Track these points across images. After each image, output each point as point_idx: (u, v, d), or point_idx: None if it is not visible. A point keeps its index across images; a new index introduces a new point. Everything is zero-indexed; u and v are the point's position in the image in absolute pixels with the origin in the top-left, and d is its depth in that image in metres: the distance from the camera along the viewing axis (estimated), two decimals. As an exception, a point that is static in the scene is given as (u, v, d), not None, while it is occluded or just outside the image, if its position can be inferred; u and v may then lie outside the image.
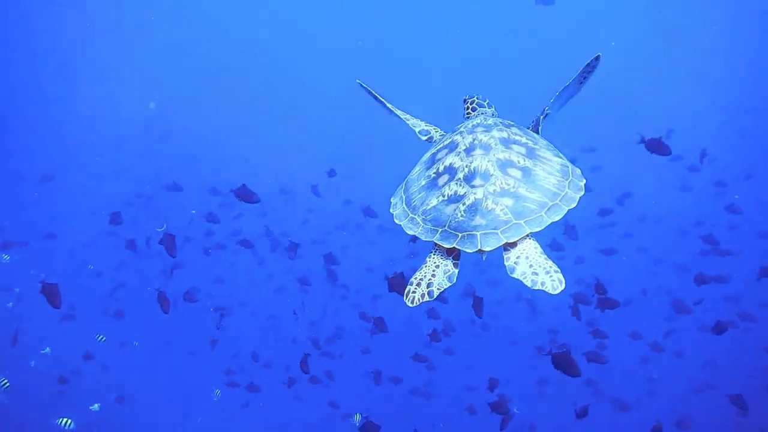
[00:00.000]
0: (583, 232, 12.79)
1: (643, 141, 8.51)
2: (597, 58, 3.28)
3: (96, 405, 13.06)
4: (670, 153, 8.41)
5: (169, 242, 8.46)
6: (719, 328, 9.29)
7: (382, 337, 10.97)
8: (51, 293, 7.59)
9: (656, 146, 8.37)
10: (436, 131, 3.87)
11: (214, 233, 17.13)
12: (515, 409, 8.78)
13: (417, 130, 3.90)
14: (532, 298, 16.34)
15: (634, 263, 19.29)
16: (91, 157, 25.53)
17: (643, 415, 13.70)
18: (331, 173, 14.68)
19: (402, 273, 6.92)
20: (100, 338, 11.91)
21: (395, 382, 14.41)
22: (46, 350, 13.39)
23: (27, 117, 27.36)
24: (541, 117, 3.57)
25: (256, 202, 8.50)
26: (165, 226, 9.56)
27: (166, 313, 9.25)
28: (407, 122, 3.91)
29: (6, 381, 10.49)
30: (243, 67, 31.69)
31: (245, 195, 8.20)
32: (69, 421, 10.12)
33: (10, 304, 14.64)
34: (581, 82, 3.44)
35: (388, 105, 3.90)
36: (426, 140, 3.87)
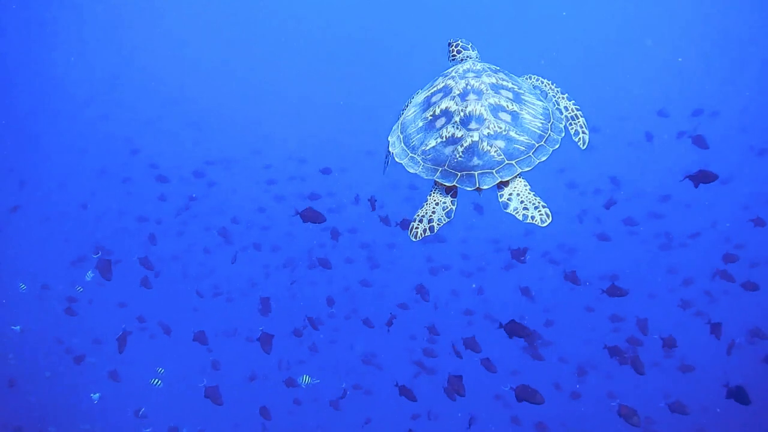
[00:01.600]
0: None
1: (689, 177, 7.77)
2: None
3: (96, 394, 13.10)
4: (717, 177, 7.70)
5: (104, 266, 8.76)
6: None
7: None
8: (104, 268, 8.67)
9: (703, 177, 7.63)
10: None
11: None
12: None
13: None
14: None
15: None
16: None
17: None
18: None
19: (513, 320, 7.03)
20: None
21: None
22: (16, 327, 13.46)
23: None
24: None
25: (322, 222, 8.38)
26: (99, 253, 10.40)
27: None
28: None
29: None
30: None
31: (312, 216, 8.24)
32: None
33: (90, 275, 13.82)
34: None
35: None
36: None
